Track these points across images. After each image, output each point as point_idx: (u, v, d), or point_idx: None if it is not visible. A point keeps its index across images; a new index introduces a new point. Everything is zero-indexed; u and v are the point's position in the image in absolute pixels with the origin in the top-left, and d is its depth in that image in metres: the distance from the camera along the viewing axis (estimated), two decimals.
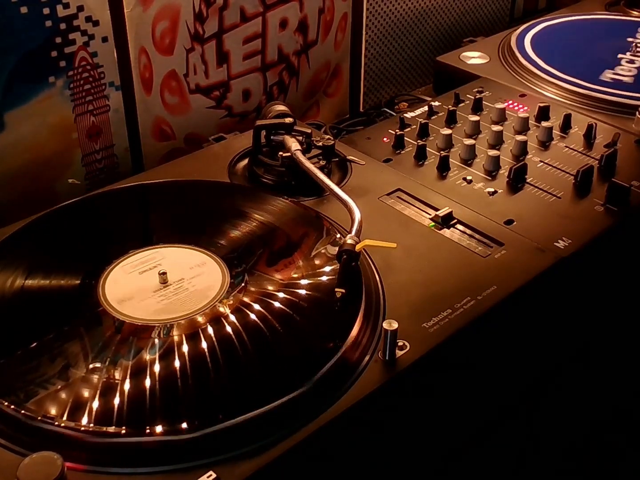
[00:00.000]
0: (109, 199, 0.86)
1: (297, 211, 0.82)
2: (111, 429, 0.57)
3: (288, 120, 0.90)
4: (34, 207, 0.85)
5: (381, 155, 0.95)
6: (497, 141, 0.97)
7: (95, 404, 0.59)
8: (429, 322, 0.69)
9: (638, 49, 1.20)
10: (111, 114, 1.02)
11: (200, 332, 0.66)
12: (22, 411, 0.59)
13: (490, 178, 0.91)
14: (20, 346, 0.65)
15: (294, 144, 0.88)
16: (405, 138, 0.97)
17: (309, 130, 0.90)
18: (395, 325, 0.64)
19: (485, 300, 0.72)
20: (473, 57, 1.20)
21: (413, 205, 0.85)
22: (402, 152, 0.96)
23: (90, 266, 0.74)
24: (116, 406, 0.59)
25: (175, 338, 0.66)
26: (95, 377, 0.62)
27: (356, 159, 0.92)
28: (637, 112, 1.01)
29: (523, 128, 1.00)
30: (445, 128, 0.99)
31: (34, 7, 0.89)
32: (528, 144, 0.96)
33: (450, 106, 1.03)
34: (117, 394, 0.60)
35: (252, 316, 0.68)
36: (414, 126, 1.00)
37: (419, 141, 0.96)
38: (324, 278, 0.73)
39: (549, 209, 0.85)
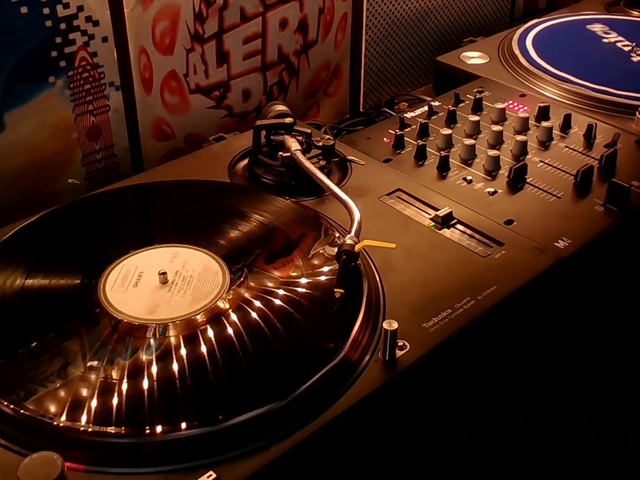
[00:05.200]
0: (109, 199, 0.86)
1: (297, 211, 0.82)
2: (111, 429, 0.57)
3: (288, 120, 0.89)
4: (34, 207, 0.85)
5: (381, 155, 0.95)
6: (497, 141, 0.97)
7: (95, 404, 0.59)
8: (429, 322, 0.69)
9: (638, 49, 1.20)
10: (111, 114, 1.02)
11: (199, 331, 0.66)
12: (22, 411, 0.59)
13: (490, 178, 0.91)
14: (20, 346, 0.65)
15: (294, 144, 0.88)
16: (405, 138, 0.97)
17: (309, 130, 0.90)
18: (395, 325, 0.64)
19: (485, 300, 0.72)
20: (473, 57, 1.20)
21: (413, 205, 0.85)
22: (402, 152, 0.96)
23: (90, 266, 0.74)
24: (116, 406, 0.59)
25: (175, 338, 0.66)
26: (95, 378, 0.62)
27: (356, 159, 0.92)
28: (637, 112, 1.01)
29: (523, 128, 1.00)
30: (445, 128, 0.99)
31: (34, 7, 0.89)
32: (528, 144, 0.96)
33: (450, 106, 1.03)
34: (117, 394, 0.60)
35: (252, 316, 0.68)
36: (414, 126, 1.00)
37: (419, 141, 0.96)
38: (324, 278, 0.73)
39: (549, 209, 0.85)
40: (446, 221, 0.82)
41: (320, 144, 0.90)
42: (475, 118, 1.00)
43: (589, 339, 0.91)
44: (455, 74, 1.17)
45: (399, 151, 0.96)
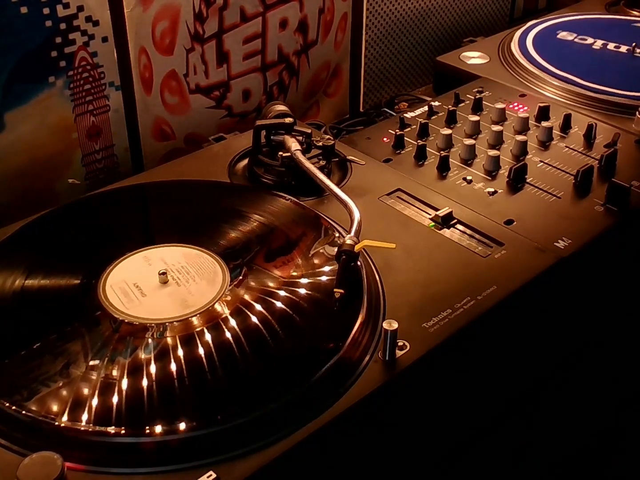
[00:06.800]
0: (109, 199, 0.86)
1: (297, 211, 0.82)
2: (111, 429, 0.57)
3: (288, 120, 0.90)
4: (34, 207, 0.85)
5: (381, 155, 0.95)
6: (497, 141, 0.97)
7: (95, 404, 0.59)
8: (429, 322, 0.69)
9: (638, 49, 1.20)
10: (111, 114, 1.02)
11: (200, 332, 0.66)
12: (22, 411, 0.59)
13: (490, 178, 0.91)
14: (19, 346, 0.65)
15: (294, 144, 0.88)
16: (405, 138, 0.97)
17: (309, 130, 0.90)
18: (395, 325, 0.64)
19: (485, 300, 0.72)
20: (473, 57, 1.20)
21: (413, 205, 0.85)
22: (402, 152, 0.96)
23: (90, 266, 0.74)
24: (116, 406, 0.59)
25: (175, 338, 0.66)
26: (94, 378, 0.62)
27: (356, 159, 0.92)
28: (637, 112, 1.01)
29: (523, 128, 1.00)
30: (445, 128, 0.99)
31: (34, 7, 0.89)
32: (528, 144, 0.96)
33: (450, 106, 1.03)
34: (117, 394, 0.60)
35: (252, 316, 0.68)
36: (414, 126, 1.00)
37: (419, 141, 0.96)
38: (324, 278, 0.73)
39: (549, 209, 0.85)
40: (446, 221, 0.82)
41: (320, 144, 0.90)
42: (475, 118, 1.00)
43: (588, 339, 0.91)
44: (455, 74, 1.17)
45: (399, 151, 0.96)
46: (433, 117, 1.03)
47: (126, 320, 0.68)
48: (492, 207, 0.85)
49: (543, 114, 1.03)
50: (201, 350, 0.65)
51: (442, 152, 0.94)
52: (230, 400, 0.61)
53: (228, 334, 0.66)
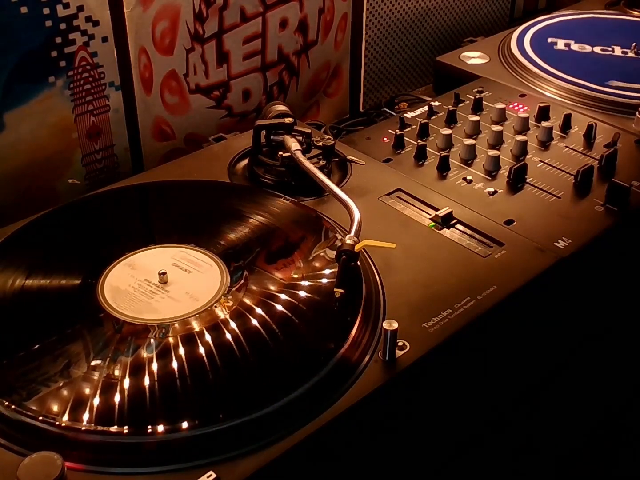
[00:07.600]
0: (109, 199, 0.86)
1: (297, 211, 0.82)
2: (111, 429, 0.57)
3: (288, 120, 0.90)
4: (34, 207, 0.85)
5: (381, 155, 0.95)
6: (497, 141, 0.97)
7: (95, 404, 0.59)
8: (429, 322, 0.69)
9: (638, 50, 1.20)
10: (111, 114, 1.02)
11: (200, 332, 0.66)
12: (22, 411, 0.59)
13: (490, 178, 0.91)
14: (20, 346, 0.65)
15: (294, 144, 0.88)
16: (405, 138, 0.97)
17: (309, 130, 0.90)
18: (395, 325, 0.64)
19: (485, 300, 0.72)
20: (473, 57, 1.20)
21: (413, 205, 0.85)
22: (402, 152, 0.96)
23: (90, 266, 0.74)
24: (116, 406, 0.59)
25: (175, 338, 0.66)
26: (95, 378, 0.62)
27: (356, 159, 0.92)
28: (637, 112, 1.01)
29: (523, 128, 1.00)
30: (445, 128, 0.99)
31: (34, 7, 0.89)
32: (528, 144, 0.96)
33: (450, 106, 1.03)
34: (117, 394, 0.60)
35: (252, 317, 0.68)
36: (414, 126, 1.00)
37: (419, 141, 0.96)
38: (325, 279, 0.73)
39: (549, 209, 0.85)
40: (446, 221, 0.82)
41: (320, 144, 0.90)
42: (475, 118, 1.00)
43: (589, 338, 0.91)
44: (455, 74, 1.17)
45: (399, 151, 0.96)
46: (433, 117, 1.03)
47: (125, 320, 0.68)
48: (492, 207, 0.85)
49: (543, 114, 1.03)
50: (201, 351, 0.65)
51: (442, 152, 0.94)
52: (231, 401, 0.61)
53: (228, 335, 0.66)
